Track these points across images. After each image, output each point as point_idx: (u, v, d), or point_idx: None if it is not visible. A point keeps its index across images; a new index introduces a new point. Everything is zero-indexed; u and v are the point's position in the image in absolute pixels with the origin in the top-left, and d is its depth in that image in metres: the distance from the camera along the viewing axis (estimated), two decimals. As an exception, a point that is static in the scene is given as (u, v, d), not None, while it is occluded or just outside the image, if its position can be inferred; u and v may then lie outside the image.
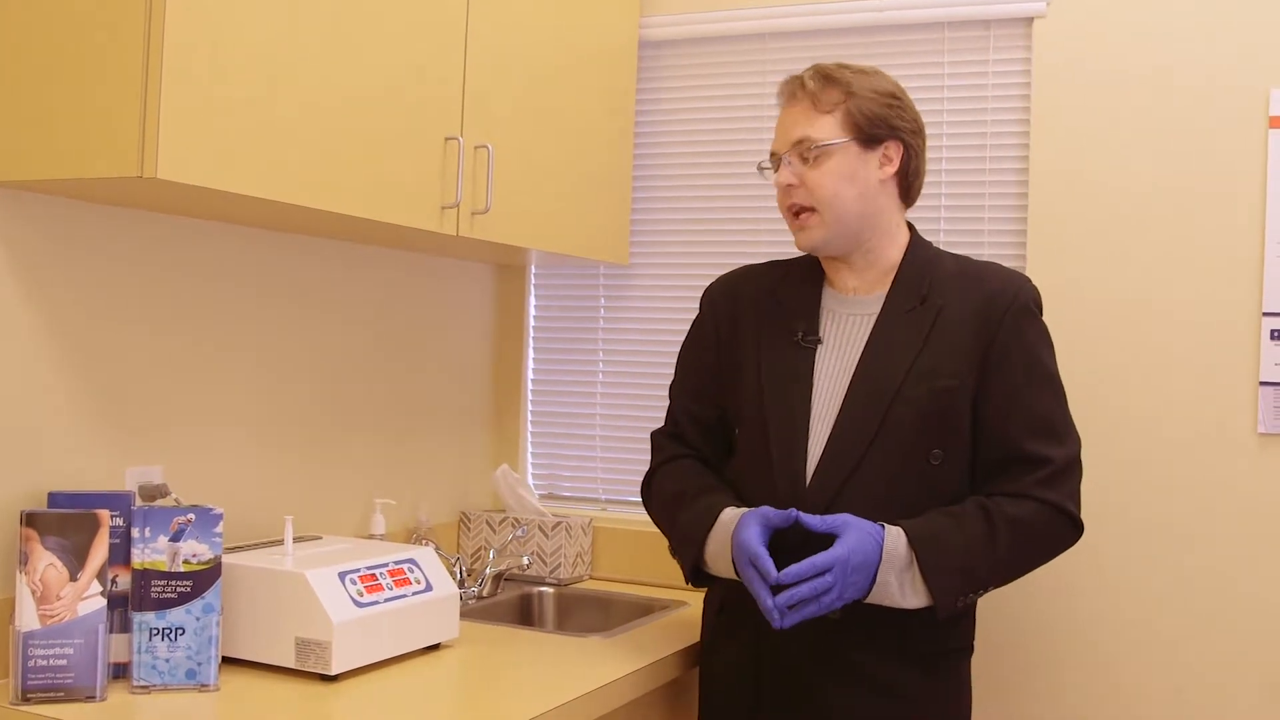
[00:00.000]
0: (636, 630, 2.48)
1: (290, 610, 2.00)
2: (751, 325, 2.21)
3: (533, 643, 2.39)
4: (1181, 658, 2.52)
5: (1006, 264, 2.27)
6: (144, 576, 1.93)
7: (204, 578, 1.96)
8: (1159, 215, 2.56)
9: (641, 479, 2.36)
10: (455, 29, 2.37)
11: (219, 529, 1.97)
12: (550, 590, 2.91)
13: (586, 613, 2.86)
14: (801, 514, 1.97)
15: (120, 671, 1.95)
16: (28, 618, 1.83)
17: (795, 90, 2.14)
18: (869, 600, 1.96)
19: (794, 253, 2.31)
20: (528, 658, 2.27)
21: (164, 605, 1.94)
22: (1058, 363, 2.14)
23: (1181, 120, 2.55)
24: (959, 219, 2.75)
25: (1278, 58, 2.47)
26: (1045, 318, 2.15)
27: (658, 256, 3.07)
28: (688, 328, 2.36)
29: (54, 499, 1.96)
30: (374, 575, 2.12)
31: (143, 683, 1.92)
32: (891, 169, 2.12)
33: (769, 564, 1.93)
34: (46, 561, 1.85)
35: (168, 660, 1.93)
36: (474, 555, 3.01)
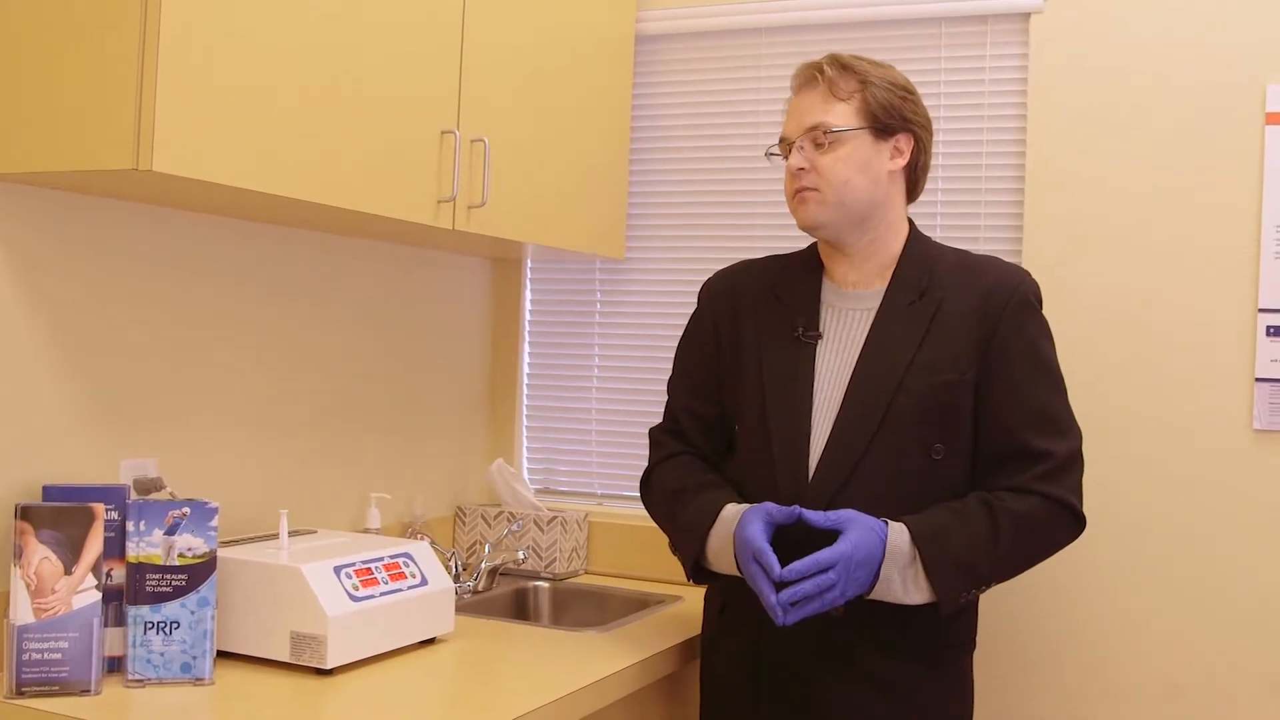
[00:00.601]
0: (632, 625, 2.48)
1: (285, 604, 2.00)
2: (751, 321, 2.20)
3: (528, 637, 2.39)
4: (1178, 653, 2.52)
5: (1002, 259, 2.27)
6: (139, 570, 1.93)
7: (199, 571, 1.95)
8: (1155, 211, 2.56)
9: (639, 474, 2.35)
10: (452, 22, 2.36)
11: (214, 523, 1.97)
12: (546, 585, 2.91)
13: (582, 607, 2.86)
14: (805, 510, 1.97)
15: (115, 665, 1.95)
16: (22, 611, 1.83)
17: (812, 76, 2.13)
18: (871, 596, 1.95)
19: (792, 247, 2.31)
20: (523, 652, 2.27)
21: (159, 599, 1.93)
22: (1055, 357, 2.14)
23: (1178, 116, 2.55)
24: (955, 214, 2.76)
25: (1275, 54, 2.48)
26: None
27: (654, 251, 3.07)
28: (684, 322, 2.36)
29: (49, 492, 1.95)
30: (369, 569, 2.12)
31: (137, 676, 1.92)
32: (902, 161, 2.13)
33: (773, 560, 1.92)
34: (41, 555, 1.84)
35: (162, 654, 1.93)
36: (469, 549, 3.01)
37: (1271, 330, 2.46)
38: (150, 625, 1.92)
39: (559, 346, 3.19)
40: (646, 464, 2.34)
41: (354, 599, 2.04)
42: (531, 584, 2.91)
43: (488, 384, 3.20)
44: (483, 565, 2.80)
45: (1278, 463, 2.46)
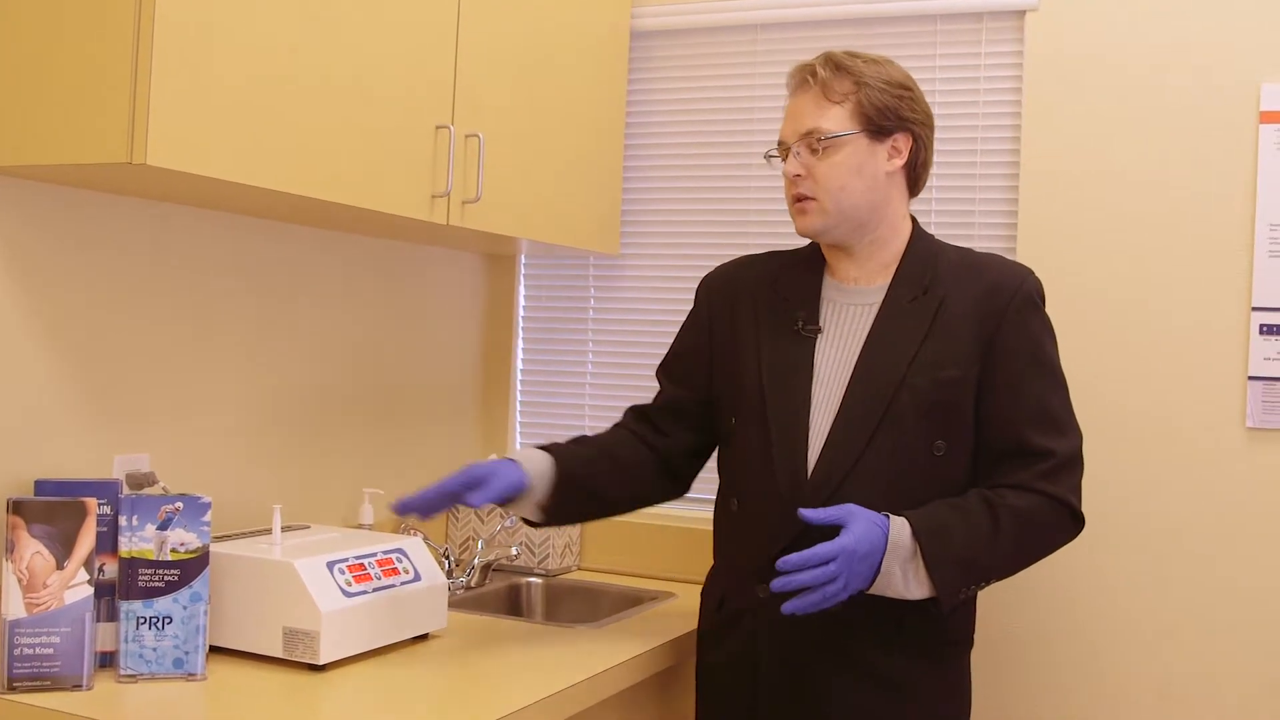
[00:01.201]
0: (625, 621, 2.48)
1: (278, 600, 2.00)
2: (750, 314, 2.19)
3: (521, 633, 2.39)
4: (1172, 651, 2.53)
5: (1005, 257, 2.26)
6: (131, 565, 1.92)
7: (192, 566, 1.95)
8: (1149, 209, 2.56)
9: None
10: (447, 17, 2.36)
11: (207, 518, 1.97)
12: (539, 581, 2.91)
13: (575, 603, 2.86)
14: (804, 510, 1.92)
15: (107, 660, 1.94)
16: (14, 606, 1.82)
17: (806, 78, 2.11)
18: (872, 591, 1.94)
19: (788, 243, 2.30)
20: (516, 648, 2.26)
21: (151, 594, 1.93)
22: (1054, 356, 2.15)
23: (1172, 114, 2.55)
24: (949, 212, 2.76)
25: (1268, 53, 2.48)
26: (1036, 311, 2.15)
27: (648, 247, 3.07)
28: (678, 318, 2.35)
29: (41, 487, 1.95)
30: (362, 565, 2.12)
31: (129, 672, 1.91)
32: (900, 161, 2.11)
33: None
34: (33, 550, 1.84)
35: (155, 649, 1.92)
36: (462, 545, 3.01)
37: (1265, 328, 2.46)
38: (142, 620, 1.92)
39: (553, 342, 3.19)
40: None
41: (347, 595, 2.04)
42: (524, 580, 2.91)
43: (481, 379, 3.20)
44: (476, 561, 2.79)
45: (1271, 460, 2.47)
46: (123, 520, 1.93)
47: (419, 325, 2.95)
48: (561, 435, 3.12)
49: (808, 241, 2.24)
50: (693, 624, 2.33)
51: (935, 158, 2.70)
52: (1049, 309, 2.14)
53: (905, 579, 1.94)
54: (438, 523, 3.01)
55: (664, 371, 2.33)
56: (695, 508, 2.81)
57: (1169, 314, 2.54)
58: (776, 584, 1.89)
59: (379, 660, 2.08)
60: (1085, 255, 2.60)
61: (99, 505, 1.91)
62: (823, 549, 1.87)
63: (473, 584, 2.77)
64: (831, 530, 1.91)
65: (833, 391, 2.08)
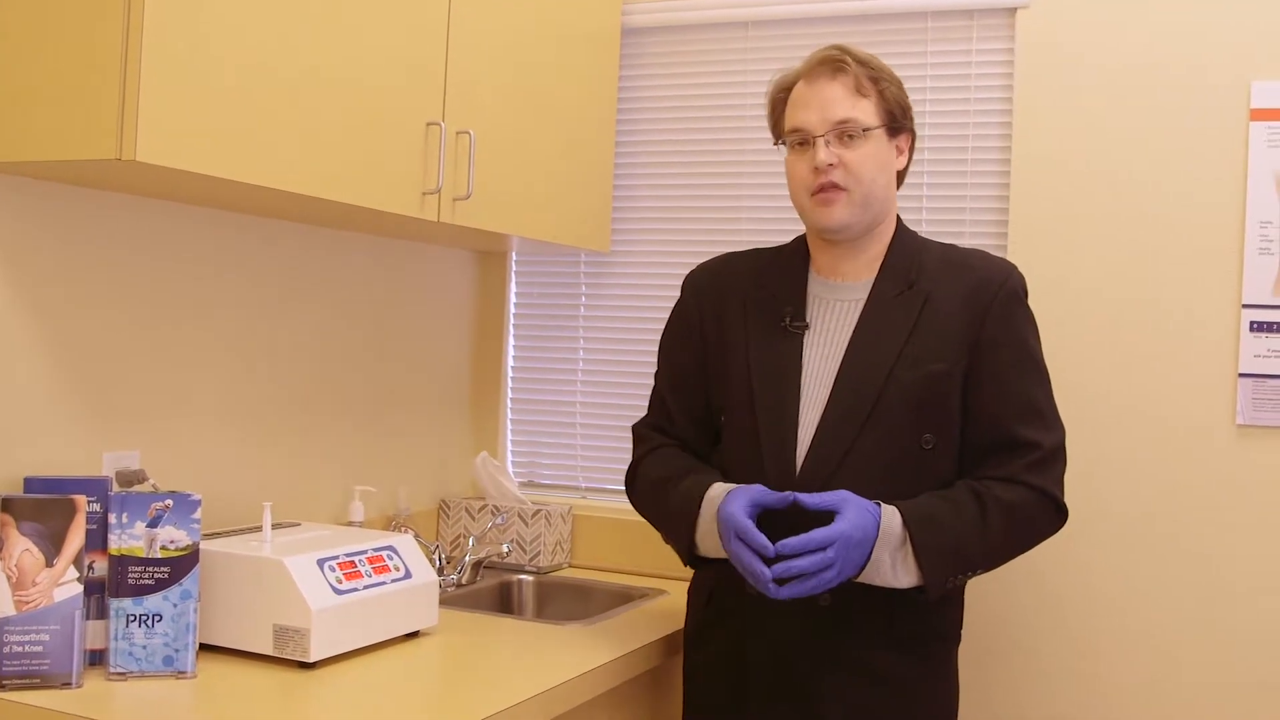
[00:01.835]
0: (616, 618, 2.48)
1: (269, 597, 1.99)
2: (737, 311, 2.19)
3: (512, 630, 2.39)
4: (1161, 647, 2.53)
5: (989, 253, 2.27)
6: (121, 563, 1.92)
7: (182, 564, 1.95)
8: (1140, 206, 2.57)
9: (624, 467, 2.33)
10: (438, 14, 2.35)
11: (197, 515, 1.96)
12: (530, 578, 2.91)
13: (566, 600, 2.85)
14: (799, 495, 1.95)
15: (97, 658, 1.94)
16: (3, 604, 1.82)
17: (840, 66, 2.07)
18: (860, 579, 1.95)
19: (778, 241, 2.30)
20: (507, 645, 2.26)
21: (141, 592, 1.92)
22: (1040, 351, 2.15)
23: (1163, 112, 2.55)
24: (940, 209, 2.76)
25: (1259, 50, 2.48)
26: (1026, 308, 2.15)
27: (639, 244, 3.07)
28: (669, 315, 2.34)
29: (30, 484, 1.94)
30: (353, 562, 2.12)
31: (119, 669, 1.91)
32: (904, 160, 2.14)
33: (759, 537, 1.91)
34: (23, 547, 1.83)
35: (145, 647, 1.92)
36: (453, 543, 3.00)
37: (1255, 326, 2.47)
38: (132, 618, 1.91)
39: (544, 339, 3.18)
40: (631, 460, 2.31)
41: (337, 592, 2.03)
42: (515, 577, 2.91)
43: (472, 377, 3.20)
44: (467, 559, 2.79)
45: (1261, 458, 2.47)
46: (112, 518, 1.92)
47: (410, 322, 2.95)
48: (552, 432, 3.14)
49: (792, 236, 2.23)
50: (683, 621, 2.33)
51: (927, 154, 2.77)
52: (1038, 305, 2.15)
53: (894, 567, 1.95)
54: (429, 520, 3.01)
55: (673, 394, 2.26)
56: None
57: (1159, 311, 2.55)
58: (777, 569, 1.89)
59: (370, 658, 2.08)
60: (1076, 251, 2.61)
61: (89, 503, 1.90)
62: (820, 534, 1.88)
63: (464, 581, 2.76)
64: (822, 517, 1.92)
65: (821, 387, 2.08)
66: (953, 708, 2.18)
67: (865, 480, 2.00)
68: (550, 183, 2.75)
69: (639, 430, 2.32)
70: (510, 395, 3.21)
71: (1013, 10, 2.68)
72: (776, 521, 1.96)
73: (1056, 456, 2.08)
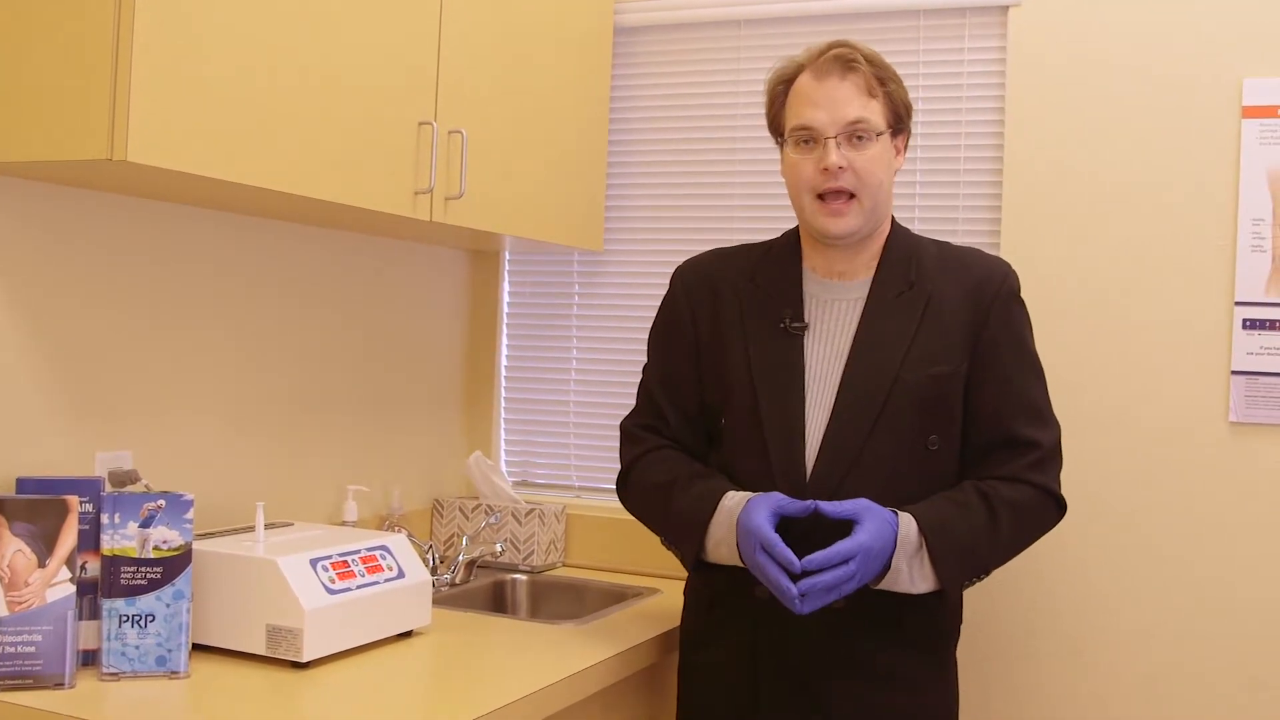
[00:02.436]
0: (610, 617, 2.47)
1: (261, 597, 1.99)
2: (733, 310, 2.15)
3: (506, 630, 2.39)
4: (1155, 644, 2.53)
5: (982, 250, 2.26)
6: (114, 563, 1.92)
7: (174, 564, 1.94)
8: (1132, 204, 2.57)
9: (617, 467, 2.28)
10: (429, 13, 2.35)
11: (189, 515, 1.96)
12: (523, 577, 2.91)
13: (560, 600, 2.85)
14: (821, 504, 1.92)
15: (89, 658, 1.93)
16: (-5, 604, 1.82)
17: (851, 65, 2.02)
18: (879, 587, 1.95)
19: (763, 237, 2.28)
20: (501, 645, 2.26)
21: (134, 592, 1.92)
22: (1034, 350, 2.16)
23: (1155, 109, 2.55)
24: (933, 206, 2.76)
25: (1251, 47, 2.49)
26: (1019, 306, 2.16)
27: (632, 243, 3.07)
28: (658, 310, 2.30)
29: (23, 484, 1.94)
30: (346, 562, 2.11)
31: (112, 670, 1.91)
32: (901, 161, 2.12)
33: (787, 552, 1.88)
34: (15, 548, 1.83)
35: (137, 647, 1.92)
36: (447, 542, 3.00)
37: (1247, 323, 2.47)
38: (125, 618, 1.91)
39: (537, 339, 3.18)
40: (621, 460, 2.27)
41: (330, 592, 2.03)
42: (509, 577, 2.91)
43: (465, 376, 3.20)
44: (460, 558, 2.79)
45: (1254, 455, 2.48)
46: (105, 518, 1.92)
47: (403, 322, 2.95)
48: (545, 431, 3.14)
49: (782, 232, 2.23)
50: (677, 620, 2.33)
51: (920, 151, 2.77)
52: (1031, 303, 2.17)
53: (911, 575, 1.95)
54: (422, 519, 3.00)
55: (665, 393, 2.22)
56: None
57: (1152, 308, 2.55)
58: (802, 585, 1.87)
59: (363, 657, 2.08)
60: (1068, 249, 2.61)
61: (81, 503, 1.90)
62: (842, 547, 1.87)
63: (457, 581, 2.76)
64: (839, 525, 1.91)
65: (825, 390, 2.06)
66: (954, 701, 2.19)
67: (874, 483, 2.00)
68: (543, 182, 2.74)
69: (630, 430, 2.27)
70: (504, 394, 3.21)
71: (1005, 8, 2.68)
72: (792, 529, 1.95)
73: (1055, 453, 2.10)
